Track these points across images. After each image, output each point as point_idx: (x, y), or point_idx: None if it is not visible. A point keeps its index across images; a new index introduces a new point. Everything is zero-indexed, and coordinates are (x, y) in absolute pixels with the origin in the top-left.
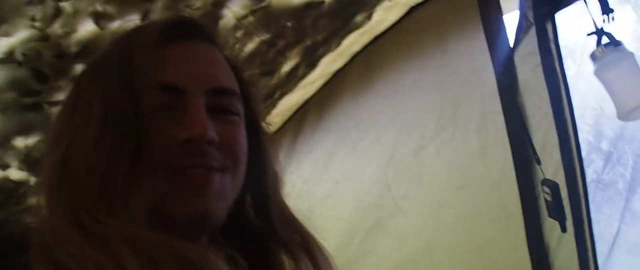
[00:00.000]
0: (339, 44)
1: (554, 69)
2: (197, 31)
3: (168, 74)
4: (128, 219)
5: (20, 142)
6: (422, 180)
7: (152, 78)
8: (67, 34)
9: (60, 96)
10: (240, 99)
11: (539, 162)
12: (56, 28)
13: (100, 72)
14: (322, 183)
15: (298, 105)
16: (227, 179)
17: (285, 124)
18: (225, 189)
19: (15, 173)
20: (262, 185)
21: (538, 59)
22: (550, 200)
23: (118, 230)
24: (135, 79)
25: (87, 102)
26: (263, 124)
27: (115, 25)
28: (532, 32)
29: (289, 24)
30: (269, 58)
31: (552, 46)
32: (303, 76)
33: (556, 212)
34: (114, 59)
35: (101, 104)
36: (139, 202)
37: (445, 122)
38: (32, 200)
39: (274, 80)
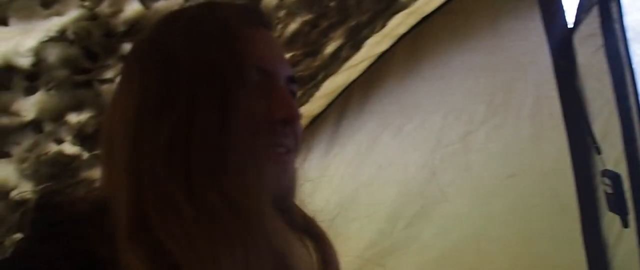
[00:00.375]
0: (384, 25)
1: (618, 51)
2: (267, 20)
3: (259, 57)
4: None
5: (73, 117)
6: (470, 168)
7: (248, 58)
8: (115, 13)
9: (110, 74)
10: None
11: (599, 152)
12: (104, 7)
13: (198, 45)
14: (365, 167)
15: (342, 87)
16: (294, 160)
17: (329, 106)
18: (294, 168)
19: (69, 147)
20: None
21: (600, 40)
22: (611, 193)
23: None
24: (236, 57)
25: (187, 76)
26: None
27: (160, 4)
28: (595, 11)
29: (332, 3)
30: (311, 39)
31: (617, 27)
32: (347, 58)
33: (617, 205)
34: (208, 37)
35: (214, 77)
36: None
37: (496, 107)
38: (86, 174)
39: (317, 61)
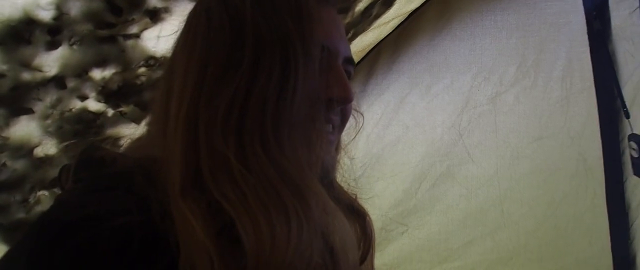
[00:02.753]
0: None
1: None
2: None
3: (325, 34)
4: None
5: (97, 73)
6: (497, 129)
7: (315, 34)
8: None
9: (134, 29)
10: None
11: (627, 116)
12: None
13: (269, 14)
14: (392, 127)
15: (371, 46)
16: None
17: (357, 65)
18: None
19: (93, 104)
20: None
21: (636, 2)
22: (637, 157)
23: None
24: (304, 31)
25: (254, 42)
26: None
27: None
28: None
29: None
30: None
31: None
32: (378, 15)
33: None
34: (280, 7)
35: (281, 48)
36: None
37: (527, 68)
38: (110, 131)
39: (348, 18)
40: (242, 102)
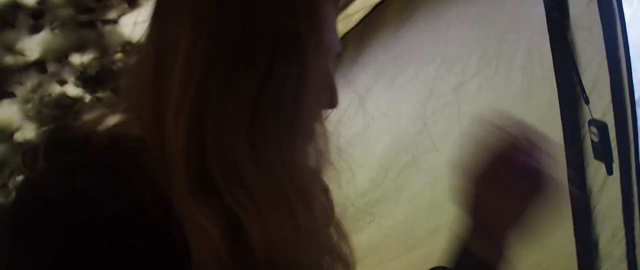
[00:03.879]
0: None
1: (611, 4)
2: None
3: (330, 32)
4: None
5: (76, 58)
6: (461, 118)
7: (325, 33)
8: None
9: (113, 15)
10: None
11: (587, 102)
12: None
13: (283, 9)
14: (358, 118)
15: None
16: None
17: None
18: None
19: (71, 89)
20: None
21: None
22: (597, 142)
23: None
24: (318, 29)
25: (267, 38)
26: None
27: None
28: None
29: None
30: None
31: None
32: (344, 7)
33: (603, 153)
34: (293, 3)
35: (295, 45)
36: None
37: (489, 58)
38: (88, 117)
39: None
40: (255, 104)
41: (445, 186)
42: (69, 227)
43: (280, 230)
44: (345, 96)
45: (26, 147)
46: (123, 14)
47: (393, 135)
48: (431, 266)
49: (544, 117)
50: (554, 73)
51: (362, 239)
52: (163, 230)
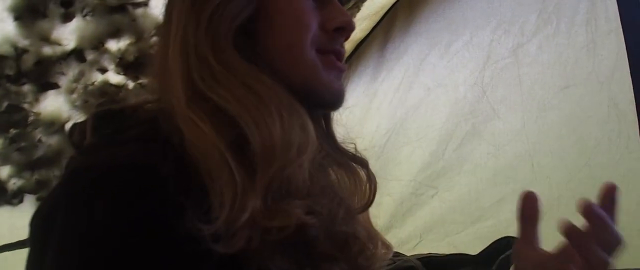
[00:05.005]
0: None
1: None
2: None
3: None
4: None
5: (112, 45)
6: (521, 82)
7: None
8: None
9: None
10: None
11: None
12: None
13: None
14: (414, 90)
15: (385, 8)
16: None
17: (373, 29)
18: None
19: (113, 77)
20: None
21: None
22: None
23: (262, 82)
24: None
25: None
26: None
27: None
28: None
29: None
30: None
31: None
32: None
33: None
34: None
35: None
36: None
37: (548, 15)
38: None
39: None
40: (225, 5)
41: (508, 154)
42: (119, 195)
43: (266, 127)
44: (399, 68)
45: (72, 126)
46: None
47: (451, 104)
48: (499, 237)
49: (611, 74)
50: (620, 25)
51: (425, 212)
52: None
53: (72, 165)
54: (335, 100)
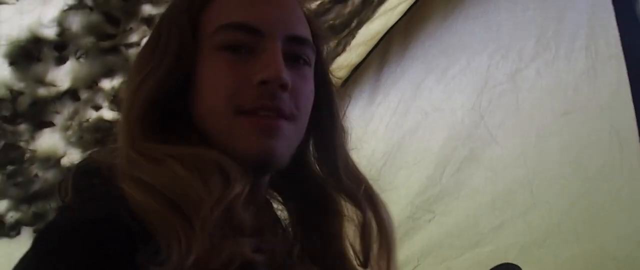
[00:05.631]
0: None
1: None
2: None
3: (251, 14)
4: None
5: (106, 84)
6: (520, 107)
7: (229, 17)
8: None
9: (134, 38)
10: (314, 49)
11: None
12: None
13: (175, 12)
14: (410, 114)
15: (381, 33)
16: (293, 126)
17: (369, 54)
18: (291, 135)
19: (107, 113)
20: (329, 137)
21: None
22: None
23: (166, 150)
24: (206, 18)
25: (163, 43)
26: (331, 77)
27: None
28: None
29: None
30: None
31: None
32: (381, 2)
33: None
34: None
35: (175, 42)
36: (194, 137)
37: (547, 40)
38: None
39: (348, 7)
40: (139, 96)
41: (507, 180)
42: (81, 249)
43: (189, 187)
44: (396, 92)
45: (59, 182)
46: (144, 36)
47: (449, 129)
48: (498, 263)
49: (612, 100)
50: (621, 50)
51: (423, 237)
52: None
53: (52, 219)
54: (260, 164)
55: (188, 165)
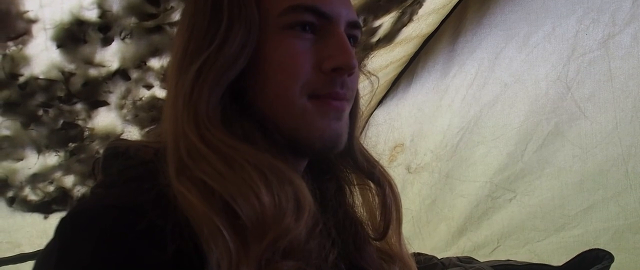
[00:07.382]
0: None
1: None
2: None
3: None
4: (246, 139)
5: (154, 63)
6: (613, 77)
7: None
8: None
9: (177, 17)
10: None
11: None
12: None
13: None
14: (488, 86)
15: (454, 1)
16: (349, 108)
17: (442, 23)
18: (347, 117)
19: (159, 92)
20: (351, 119)
21: None
22: None
23: (245, 154)
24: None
25: (227, 21)
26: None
27: None
28: None
29: None
30: None
31: None
32: None
33: None
34: None
35: (244, 20)
36: (256, 124)
37: None
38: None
39: None
40: (202, 79)
41: (598, 158)
42: (107, 235)
43: (254, 199)
44: (472, 63)
45: (94, 161)
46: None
47: (531, 102)
48: (586, 248)
49: None
50: None
51: (503, 217)
52: (179, 234)
53: (72, 208)
54: (328, 147)
55: (264, 179)
